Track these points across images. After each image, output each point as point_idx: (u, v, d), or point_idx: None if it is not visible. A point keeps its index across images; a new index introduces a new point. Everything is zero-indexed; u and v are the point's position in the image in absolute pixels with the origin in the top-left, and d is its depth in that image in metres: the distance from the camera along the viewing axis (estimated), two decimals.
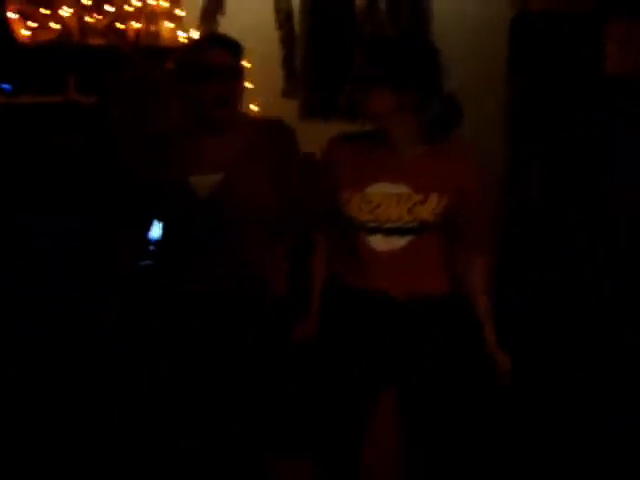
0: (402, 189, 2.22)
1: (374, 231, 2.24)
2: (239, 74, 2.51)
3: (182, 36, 4.27)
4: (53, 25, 3.92)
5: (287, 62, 5.76)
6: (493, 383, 2.33)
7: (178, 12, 4.31)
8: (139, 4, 4.12)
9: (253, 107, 4.63)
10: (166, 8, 4.22)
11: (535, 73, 4.39)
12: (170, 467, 2.70)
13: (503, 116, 4.77)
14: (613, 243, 4.19)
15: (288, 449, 2.98)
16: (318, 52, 5.79)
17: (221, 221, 2.48)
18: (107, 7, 4.04)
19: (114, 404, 3.11)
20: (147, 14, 4.14)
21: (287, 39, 5.73)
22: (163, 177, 2.61)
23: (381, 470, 2.50)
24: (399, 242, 2.25)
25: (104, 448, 3.02)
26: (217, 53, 2.47)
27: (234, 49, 2.51)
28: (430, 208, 2.22)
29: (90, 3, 4.00)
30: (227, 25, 5.48)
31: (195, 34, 4.38)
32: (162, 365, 2.65)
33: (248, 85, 4.37)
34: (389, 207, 2.23)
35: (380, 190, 2.23)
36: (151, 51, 4.11)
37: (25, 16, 3.89)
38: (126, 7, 4.08)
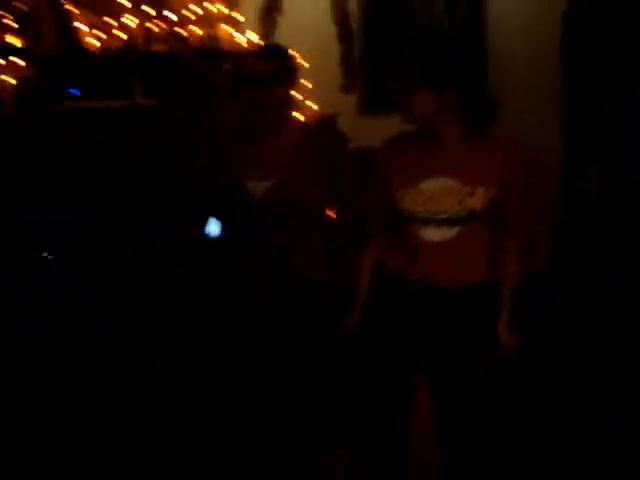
0: (452, 182, 2.39)
1: (427, 222, 2.42)
2: (279, 80, 2.64)
3: (240, 39, 4.44)
4: (118, 34, 4.13)
5: (345, 58, 5.89)
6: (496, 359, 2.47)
7: (236, 16, 4.47)
8: (199, 10, 4.30)
9: (311, 104, 4.75)
10: (224, 13, 4.40)
11: (589, 61, 4.41)
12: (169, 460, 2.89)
13: (558, 103, 4.81)
14: None
15: (330, 439, 3.13)
16: (375, 47, 5.91)
17: (273, 223, 2.67)
18: (168, 14, 4.25)
19: (111, 398, 3.27)
20: (206, 19, 4.32)
21: (344, 35, 5.86)
22: (221, 179, 2.80)
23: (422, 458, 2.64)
24: (450, 232, 2.42)
25: (101, 442, 3.12)
26: (255, 61, 2.64)
27: (275, 57, 2.67)
28: (478, 199, 2.38)
29: (152, 12, 4.20)
30: (285, 24, 5.64)
31: (253, 36, 4.54)
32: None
33: (305, 84, 4.57)
34: (440, 199, 2.40)
35: (432, 184, 2.40)
36: (211, 54, 4.29)
37: (93, 26, 4.12)
38: (186, 13, 4.27)
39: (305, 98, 4.72)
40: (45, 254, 3.69)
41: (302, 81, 4.65)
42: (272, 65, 2.65)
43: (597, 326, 3.95)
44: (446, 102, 2.34)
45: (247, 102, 2.67)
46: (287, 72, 2.72)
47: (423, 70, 2.32)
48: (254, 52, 3.06)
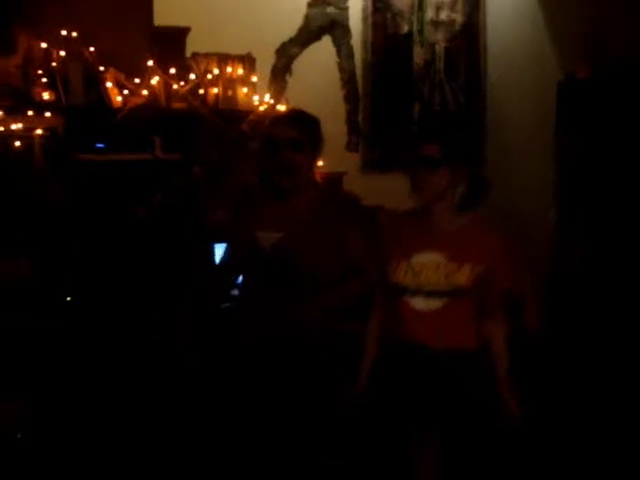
0: (440, 258, 2.59)
1: (415, 293, 2.62)
2: (303, 146, 2.84)
3: (256, 100, 4.71)
4: (143, 92, 4.39)
5: (350, 118, 6.18)
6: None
7: (253, 79, 4.75)
8: (217, 72, 4.58)
9: (320, 162, 4.98)
10: (242, 75, 4.67)
11: (582, 132, 4.64)
12: None
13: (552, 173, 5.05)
14: None
15: None
16: (379, 109, 6.21)
17: (282, 275, 2.84)
18: (190, 75, 4.52)
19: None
20: (225, 81, 4.58)
21: (350, 97, 6.17)
22: (238, 231, 3.00)
23: None
24: (437, 303, 2.62)
25: None
26: (282, 128, 2.85)
27: (299, 124, 2.88)
28: (464, 275, 2.59)
29: (175, 72, 4.48)
30: (295, 84, 5.94)
31: (267, 97, 4.82)
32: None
33: None
34: (429, 273, 2.61)
35: (422, 259, 2.62)
36: (228, 114, 4.56)
37: (119, 85, 4.38)
38: (207, 75, 4.56)
39: None
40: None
41: None
42: (300, 133, 2.84)
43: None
44: (456, 179, 2.58)
45: (275, 164, 2.83)
46: (314, 139, 2.89)
47: (446, 149, 2.55)
48: (284, 117, 3.25)
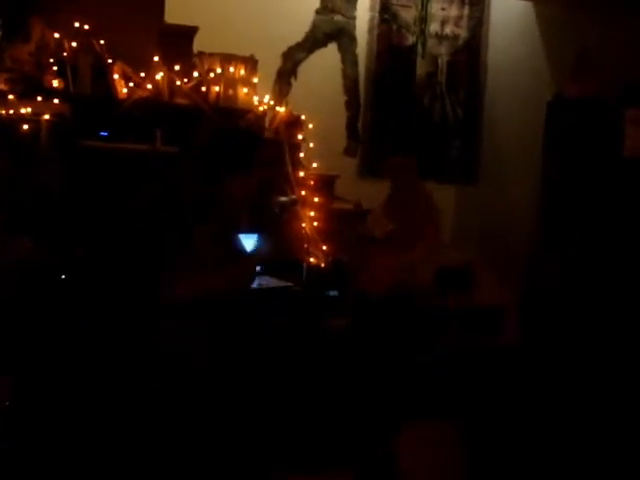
0: None
1: None
2: None
3: (255, 100, 4.91)
4: (147, 86, 4.60)
5: (351, 124, 6.38)
6: None
7: (254, 79, 4.95)
8: (220, 71, 4.79)
9: (314, 164, 5.18)
10: (243, 75, 4.87)
11: (565, 152, 4.80)
12: None
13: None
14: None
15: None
16: (379, 117, 6.41)
17: None
18: (194, 73, 4.73)
19: None
20: (226, 80, 4.79)
21: (352, 103, 6.37)
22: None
23: None
24: None
25: None
26: None
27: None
28: None
29: (179, 69, 4.68)
30: (299, 88, 6.15)
31: (267, 98, 5.02)
32: None
33: (310, 145, 5.02)
34: None
35: None
36: (228, 111, 4.77)
37: (126, 77, 4.59)
38: (210, 74, 4.76)
39: (309, 157, 5.17)
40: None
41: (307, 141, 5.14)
42: None
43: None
44: None
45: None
46: None
47: None
48: None
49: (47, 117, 4.35)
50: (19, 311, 4.00)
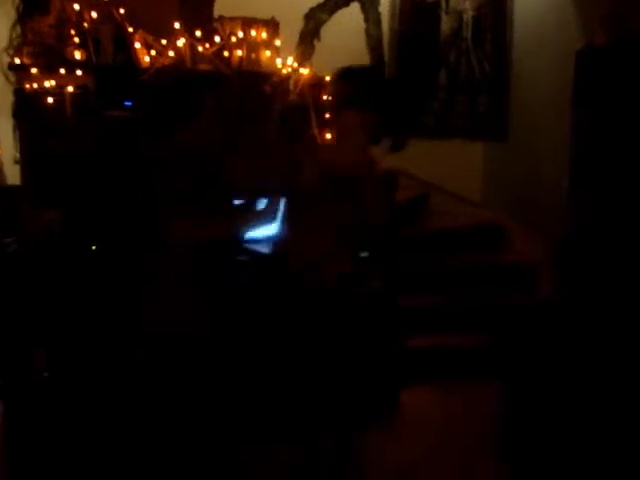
0: None
1: None
2: None
3: (279, 63, 4.86)
4: (170, 53, 4.56)
5: None
6: None
7: (276, 42, 4.89)
8: (242, 35, 4.74)
9: None
10: (265, 39, 4.82)
11: (596, 102, 4.70)
12: None
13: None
14: None
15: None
16: (405, 76, 6.33)
17: None
18: (215, 38, 4.69)
19: None
20: (248, 44, 4.74)
21: (376, 61, 6.29)
22: None
23: None
24: None
25: None
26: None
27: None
28: None
29: (200, 35, 4.64)
30: (322, 49, 6.09)
31: (290, 60, 4.96)
32: None
33: None
34: None
35: None
36: (251, 76, 4.72)
37: (148, 46, 4.55)
38: (231, 38, 4.71)
39: None
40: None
41: None
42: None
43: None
44: None
45: None
46: None
47: None
48: None
49: (71, 89, 4.35)
50: (50, 284, 4.04)
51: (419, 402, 4.76)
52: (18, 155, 4.57)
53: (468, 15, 6.34)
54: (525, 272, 5.68)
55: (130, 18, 4.58)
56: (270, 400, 3.99)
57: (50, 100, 4.31)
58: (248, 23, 4.78)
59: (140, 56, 4.53)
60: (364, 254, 4.41)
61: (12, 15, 4.63)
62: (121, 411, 3.73)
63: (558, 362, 4.07)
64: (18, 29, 4.59)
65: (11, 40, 4.58)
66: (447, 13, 6.27)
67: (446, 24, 6.32)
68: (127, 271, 3.77)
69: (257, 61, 4.75)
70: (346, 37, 6.16)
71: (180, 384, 3.54)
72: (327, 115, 4.77)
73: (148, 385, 3.60)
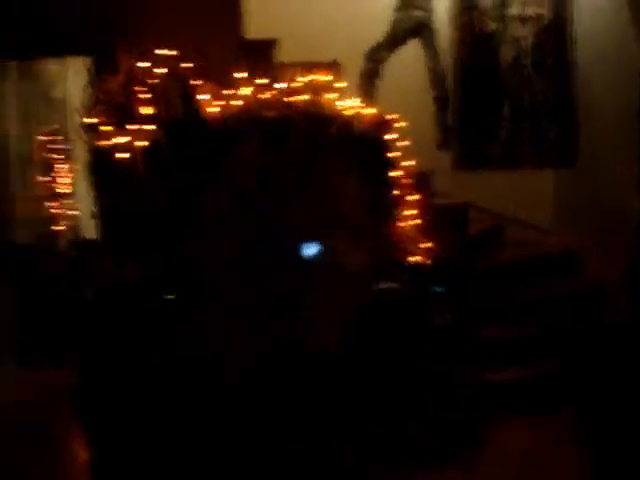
0: None
1: None
2: None
3: (343, 104, 4.90)
4: (234, 103, 4.66)
5: (441, 118, 6.32)
6: None
7: (339, 84, 4.94)
8: (304, 80, 4.81)
9: (410, 162, 5.11)
10: (327, 81, 4.88)
11: None
12: None
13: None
14: None
15: None
16: (469, 108, 6.32)
17: None
18: (278, 84, 4.77)
19: None
20: (312, 88, 4.80)
21: (440, 97, 6.30)
22: None
23: None
24: None
25: None
26: None
27: None
28: None
29: (263, 82, 4.73)
30: (385, 88, 6.13)
31: (353, 102, 5.00)
32: None
33: (404, 142, 4.98)
34: None
35: None
36: (316, 119, 4.77)
37: (214, 96, 4.66)
38: (294, 84, 4.78)
39: (404, 155, 5.11)
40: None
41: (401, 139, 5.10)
42: None
43: None
44: None
45: None
46: None
47: None
48: None
49: (142, 144, 4.46)
50: (128, 333, 4.14)
51: (500, 437, 4.62)
52: (95, 210, 4.70)
53: (527, 42, 6.31)
54: (598, 297, 5.58)
55: (194, 71, 4.69)
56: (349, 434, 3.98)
57: (123, 156, 4.43)
58: (309, 67, 4.85)
59: (207, 107, 4.63)
60: (439, 289, 4.41)
61: (84, 76, 4.80)
62: None
63: (630, 385, 3.99)
64: (90, 89, 4.74)
65: (84, 101, 4.74)
66: (506, 41, 6.25)
67: (506, 52, 6.30)
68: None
69: (320, 104, 4.80)
70: (408, 74, 6.19)
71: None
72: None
73: None
